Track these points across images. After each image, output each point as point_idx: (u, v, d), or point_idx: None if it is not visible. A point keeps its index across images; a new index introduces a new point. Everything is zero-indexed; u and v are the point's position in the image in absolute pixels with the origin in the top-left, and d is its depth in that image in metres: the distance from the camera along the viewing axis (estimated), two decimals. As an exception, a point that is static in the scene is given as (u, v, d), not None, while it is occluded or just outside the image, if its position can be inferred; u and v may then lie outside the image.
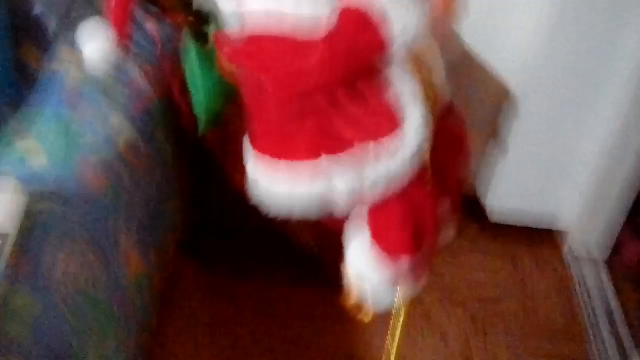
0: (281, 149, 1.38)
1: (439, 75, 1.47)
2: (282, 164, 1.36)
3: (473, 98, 2.48)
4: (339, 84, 1.29)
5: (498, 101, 2.48)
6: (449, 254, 2.62)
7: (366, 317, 1.54)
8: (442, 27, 1.43)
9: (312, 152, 1.33)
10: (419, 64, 1.39)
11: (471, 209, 2.74)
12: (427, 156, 1.41)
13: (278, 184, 1.38)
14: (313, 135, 1.33)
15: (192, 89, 1.73)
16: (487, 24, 2.31)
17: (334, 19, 1.23)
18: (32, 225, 1.54)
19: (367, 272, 1.47)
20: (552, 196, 2.58)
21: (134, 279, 1.74)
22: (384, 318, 2.31)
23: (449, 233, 1.71)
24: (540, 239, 2.67)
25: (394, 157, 1.31)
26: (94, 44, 1.45)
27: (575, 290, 2.52)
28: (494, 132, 2.56)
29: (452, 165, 1.63)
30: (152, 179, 1.94)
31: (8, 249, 1.39)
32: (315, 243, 2.21)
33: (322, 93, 1.29)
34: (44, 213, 1.59)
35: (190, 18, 1.49)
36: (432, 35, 1.40)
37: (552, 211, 2.62)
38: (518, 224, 2.65)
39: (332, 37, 1.23)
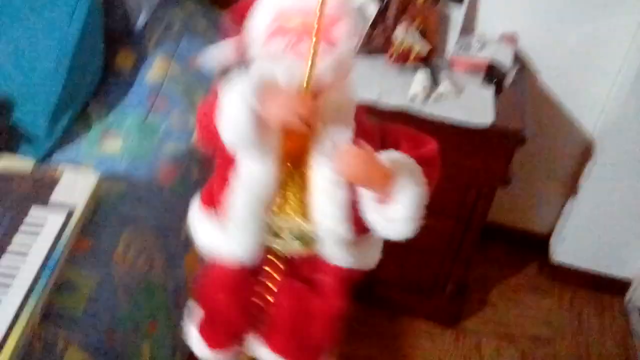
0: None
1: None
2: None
3: (553, 142, 2.47)
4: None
5: (577, 148, 2.47)
6: (506, 289, 2.59)
7: None
8: None
9: (206, 202, 1.34)
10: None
11: (534, 246, 2.71)
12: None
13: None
14: (209, 189, 1.34)
15: None
16: (570, 73, 2.32)
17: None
18: (99, 204, 1.60)
19: None
20: (619, 244, 2.52)
21: (192, 267, 1.78)
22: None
23: None
24: (602, 285, 2.61)
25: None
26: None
27: (634, 340, 2.45)
28: (570, 177, 2.54)
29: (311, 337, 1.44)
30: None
31: (73, 223, 1.45)
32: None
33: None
34: (112, 193, 1.65)
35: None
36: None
37: (617, 259, 2.56)
38: (580, 268, 2.60)
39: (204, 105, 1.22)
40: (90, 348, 1.34)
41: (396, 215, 1.14)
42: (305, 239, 1.24)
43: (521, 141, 1.93)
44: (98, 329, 1.38)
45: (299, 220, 1.22)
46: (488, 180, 2.03)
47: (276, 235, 1.24)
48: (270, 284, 1.36)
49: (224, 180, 1.22)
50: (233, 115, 1.08)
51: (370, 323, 2.38)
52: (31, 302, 1.27)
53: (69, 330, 1.33)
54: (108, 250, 1.52)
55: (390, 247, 1.36)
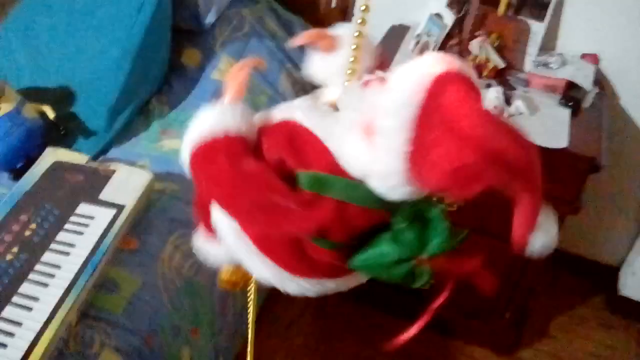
0: None
1: None
2: None
3: (629, 171, 2.36)
4: None
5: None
6: (569, 320, 2.48)
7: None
8: None
9: None
10: None
11: (602, 278, 2.58)
12: None
13: None
14: None
15: None
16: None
17: None
18: (150, 203, 1.57)
19: None
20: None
21: (239, 275, 1.73)
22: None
23: None
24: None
25: None
26: None
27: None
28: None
29: None
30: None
31: (121, 222, 1.42)
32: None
33: None
34: (165, 193, 1.62)
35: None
36: None
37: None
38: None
39: None
40: (126, 351, 1.30)
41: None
42: None
43: (595, 168, 1.83)
44: (137, 332, 1.34)
45: None
46: (557, 207, 1.92)
47: None
48: None
49: None
50: None
51: (421, 343, 2.30)
52: (69, 301, 1.24)
53: (106, 331, 1.30)
54: (154, 252, 1.48)
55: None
